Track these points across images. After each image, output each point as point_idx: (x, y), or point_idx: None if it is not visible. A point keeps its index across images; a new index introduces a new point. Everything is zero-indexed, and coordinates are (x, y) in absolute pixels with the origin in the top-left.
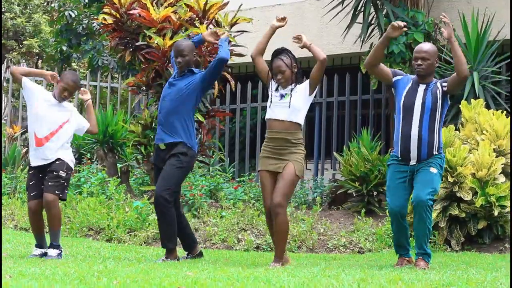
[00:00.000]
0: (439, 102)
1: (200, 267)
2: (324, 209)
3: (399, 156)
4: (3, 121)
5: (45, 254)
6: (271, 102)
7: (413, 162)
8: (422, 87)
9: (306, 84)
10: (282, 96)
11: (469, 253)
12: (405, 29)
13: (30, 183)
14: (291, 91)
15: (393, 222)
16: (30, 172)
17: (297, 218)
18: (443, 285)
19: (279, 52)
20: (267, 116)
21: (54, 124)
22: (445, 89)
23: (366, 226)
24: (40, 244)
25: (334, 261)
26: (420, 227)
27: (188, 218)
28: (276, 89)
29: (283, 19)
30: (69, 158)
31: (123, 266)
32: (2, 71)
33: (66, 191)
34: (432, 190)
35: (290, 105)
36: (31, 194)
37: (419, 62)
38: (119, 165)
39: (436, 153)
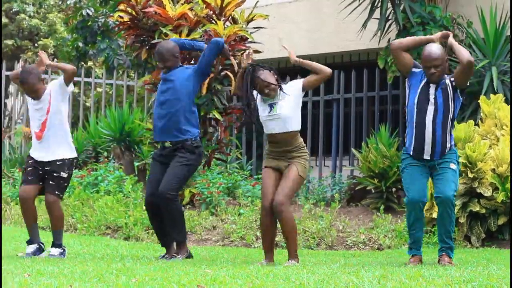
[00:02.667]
0: (451, 99)
1: (219, 265)
2: (342, 206)
3: (412, 153)
4: (19, 120)
5: (39, 250)
6: (262, 116)
7: (426, 157)
8: (433, 86)
9: (298, 85)
10: (271, 107)
11: (489, 249)
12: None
13: (28, 167)
14: (280, 99)
15: (411, 212)
16: (29, 161)
17: (315, 215)
18: (464, 281)
19: (256, 69)
20: (264, 131)
21: (42, 115)
22: (454, 83)
23: (385, 222)
24: (31, 240)
25: (354, 258)
26: (445, 223)
27: (206, 215)
28: (265, 101)
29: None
30: (69, 154)
31: (142, 264)
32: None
33: (65, 191)
34: (454, 186)
35: (282, 116)
36: (28, 178)
37: (433, 70)
38: (136, 163)
39: (449, 149)
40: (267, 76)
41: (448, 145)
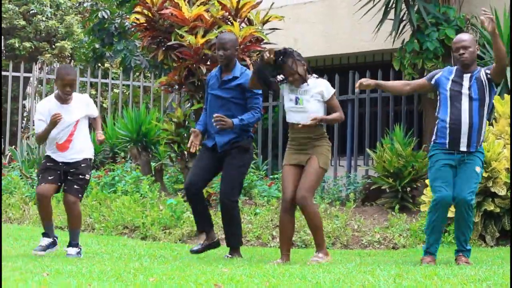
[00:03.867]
0: (486, 89)
1: (235, 264)
2: (357, 206)
3: (447, 144)
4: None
5: (53, 244)
6: (287, 106)
7: (463, 148)
8: (467, 76)
9: (323, 92)
10: (296, 99)
11: (504, 248)
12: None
13: (47, 167)
14: (304, 92)
15: (438, 211)
16: (47, 162)
17: (331, 215)
18: (479, 280)
19: (283, 54)
20: (287, 119)
21: (69, 126)
22: (489, 76)
23: (400, 222)
24: (47, 233)
25: (369, 257)
26: (462, 226)
27: None
28: (291, 91)
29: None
30: (91, 154)
31: (159, 263)
32: (36, 72)
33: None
34: (474, 188)
35: (307, 109)
36: (48, 177)
37: (461, 51)
38: (153, 164)
39: (481, 144)
40: (296, 64)
41: (483, 136)
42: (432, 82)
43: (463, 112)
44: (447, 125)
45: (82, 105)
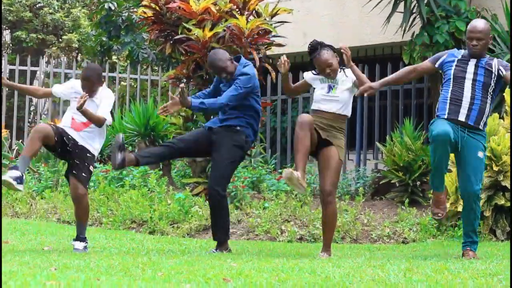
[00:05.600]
0: (493, 79)
1: (244, 259)
2: (367, 200)
3: (446, 115)
4: (43, 116)
5: (19, 179)
6: (318, 94)
7: (461, 117)
8: (473, 61)
9: (352, 82)
10: (330, 88)
11: None
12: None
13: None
14: (340, 82)
15: (437, 148)
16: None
17: (340, 209)
18: (489, 275)
19: (317, 47)
20: (313, 107)
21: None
22: (502, 74)
23: (410, 216)
24: (17, 166)
25: (379, 252)
26: (469, 217)
27: (231, 209)
28: (322, 81)
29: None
30: (96, 152)
31: (167, 258)
32: (43, 66)
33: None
34: (480, 178)
35: (340, 99)
36: (52, 125)
37: (475, 42)
38: None
39: (482, 127)
40: (330, 56)
41: (485, 118)
42: (437, 65)
43: (465, 90)
44: (448, 100)
45: (95, 105)
